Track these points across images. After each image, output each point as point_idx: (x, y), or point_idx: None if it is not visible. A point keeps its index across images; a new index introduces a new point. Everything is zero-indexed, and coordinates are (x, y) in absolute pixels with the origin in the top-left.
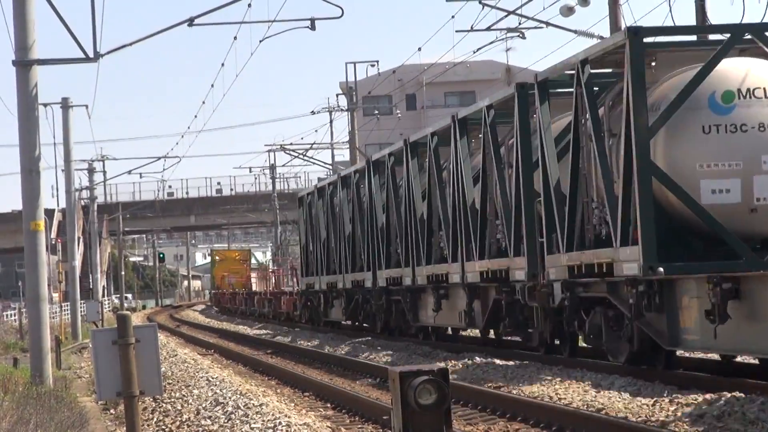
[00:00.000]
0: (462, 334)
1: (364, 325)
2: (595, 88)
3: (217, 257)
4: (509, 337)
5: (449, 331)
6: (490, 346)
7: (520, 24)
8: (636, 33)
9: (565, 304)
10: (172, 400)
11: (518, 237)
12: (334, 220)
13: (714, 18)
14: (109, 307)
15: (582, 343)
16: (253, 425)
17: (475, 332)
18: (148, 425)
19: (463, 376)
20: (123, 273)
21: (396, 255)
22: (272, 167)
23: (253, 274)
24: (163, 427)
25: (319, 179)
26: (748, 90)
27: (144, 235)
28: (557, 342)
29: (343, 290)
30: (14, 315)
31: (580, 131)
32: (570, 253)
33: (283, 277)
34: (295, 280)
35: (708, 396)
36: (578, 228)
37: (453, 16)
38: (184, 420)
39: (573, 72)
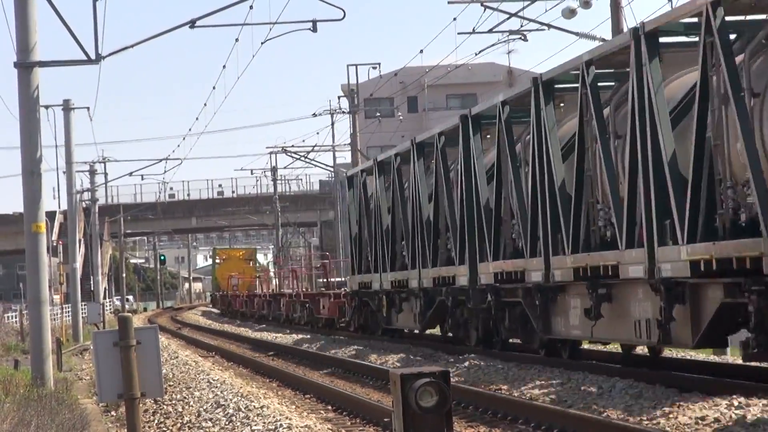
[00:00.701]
0: (599, 348)
1: (449, 335)
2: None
3: (219, 257)
4: (756, 363)
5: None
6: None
7: (522, 26)
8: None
9: None
10: (173, 402)
11: None
12: (404, 202)
13: None
14: (110, 309)
15: None
16: (254, 427)
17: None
18: (149, 427)
19: (465, 378)
20: (124, 275)
21: (512, 242)
22: (274, 169)
23: (259, 274)
24: (165, 429)
25: (317, 176)
26: None
27: (145, 237)
28: None
29: (419, 290)
30: (15, 317)
31: None
32: None
33: (284, 279)
34: (303, 279)
35: (709, 399)
36: None
37: (455, 19)
38: (185, 422)
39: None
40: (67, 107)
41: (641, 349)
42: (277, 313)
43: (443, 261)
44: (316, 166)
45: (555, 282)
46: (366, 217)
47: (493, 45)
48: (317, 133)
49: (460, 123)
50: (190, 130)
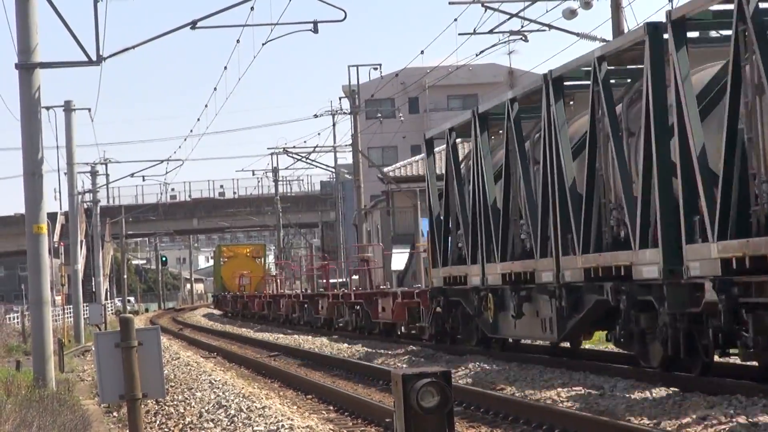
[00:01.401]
0: None
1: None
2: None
3: (224, 255)
4: None
5: None
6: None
7: (522, 27)
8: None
9: None
10: (175, 402)
11: None
12: (526, 166)
13: None
14: (111, 310)
15: None
16: (256, 428)
17: None
18: (150, 428)
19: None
20: (126, 276)
21: (756, 211)
22: (275, 170)
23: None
24: (166, 429)
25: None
26: None
27: (147, 238)
28: None
29: (557, 286)
30: (17, 318)
31: None
32: None
33: (285, 279)
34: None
35: (711, 398)
36: None
37: (456, 19)
38: (186, 423)
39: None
40: (68, 108)
41: None
42: (314, 317)
43: (606, 245)
44: (317, 167)
45: None
46: (458, 190)
47: (494, 46)
48: (318, 134)
49: (648, 36)
50: (191, 131)
